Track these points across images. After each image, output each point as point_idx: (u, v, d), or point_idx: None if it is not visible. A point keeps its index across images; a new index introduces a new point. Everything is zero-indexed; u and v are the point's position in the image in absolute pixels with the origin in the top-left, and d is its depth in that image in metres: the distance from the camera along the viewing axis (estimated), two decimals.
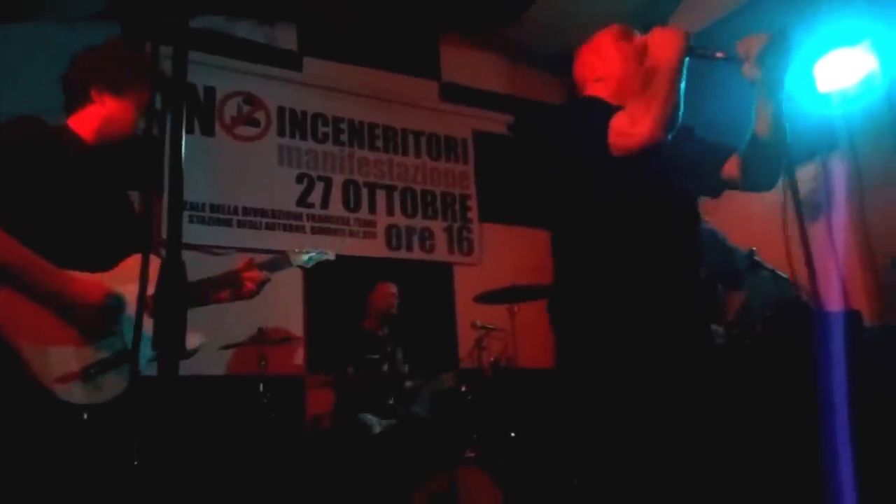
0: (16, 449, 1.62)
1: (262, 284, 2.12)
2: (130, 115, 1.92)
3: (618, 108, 1.79)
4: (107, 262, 1.83)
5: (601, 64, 1.98)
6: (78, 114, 1.90)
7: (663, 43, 1.72)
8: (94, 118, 1.89)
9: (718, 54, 1.76)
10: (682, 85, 1.70)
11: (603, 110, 1.82)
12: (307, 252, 2.57)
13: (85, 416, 1.69)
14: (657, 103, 1.67)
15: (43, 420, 1.64)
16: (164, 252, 1.66)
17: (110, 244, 1.86)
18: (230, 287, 2.09)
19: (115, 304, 1.78)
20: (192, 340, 2.01)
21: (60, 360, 1.67)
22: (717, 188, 1.98)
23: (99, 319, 1.76)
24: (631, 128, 1.68)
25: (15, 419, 1.63)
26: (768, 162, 1.83)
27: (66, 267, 1.75)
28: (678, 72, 1.69)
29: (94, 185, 1.88)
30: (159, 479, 1.11)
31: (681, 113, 1.70)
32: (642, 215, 1.79)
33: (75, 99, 1.90)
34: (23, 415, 1.63)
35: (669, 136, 1.69)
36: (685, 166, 1.87)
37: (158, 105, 1.96)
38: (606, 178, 1.78)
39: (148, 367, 1.80)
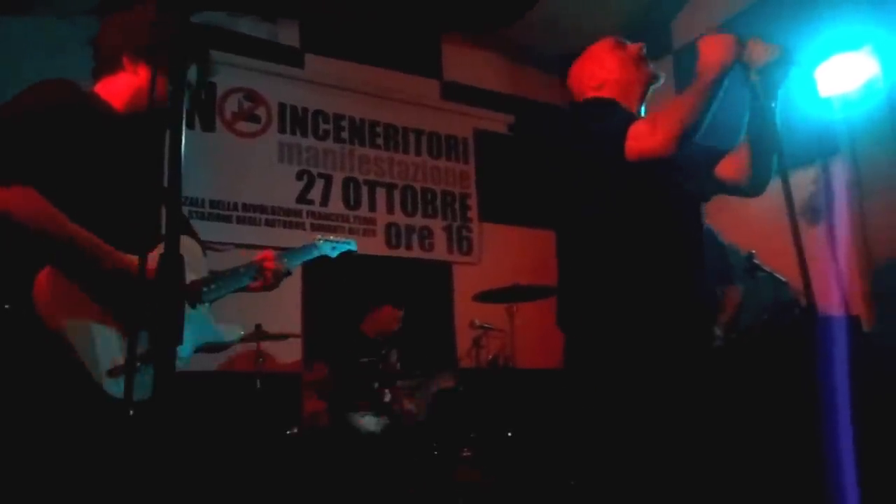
0: (63, 449, 1.49)
1: (281, 276, 2.06)
2: (164, 85, 1.68)
3: (631, 113, 1.78)
4: (145, 243, 1.68)
5: (600, 70, 1.98)
6: (106, 80, 1.77)
7: (714, 47, 1.68)
8: (125, 87, 1.75)
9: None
10: (719, 95, 1.67)
11: (620, 112, 1.82)
12: (330, 240, 2.52)
13: (131, 413, 1.46)
14: (686, 110, 1.65)
15: (91, 417, 1.51)
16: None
17: (147, 223, 1.75)
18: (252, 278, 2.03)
19: None
20: (231, 331, 1.99)
21: (106, 345, 1.55)
22: (706, 191, 1.98)
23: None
24: (652, 133, 1.67)
25: (61, 417, 1.50)
26: (757, 167, 1.84)
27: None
28: (716, 80, 1.65)
29: (128, 157, 1.74)
30: (156, 475, 1.10)
31: (704, 127, 1.68)
32: (650, 217, 1.79)
33: (104, 66, 1.77)
34: (70, 411, 1.51)
35: (687, 146, 1.68)
36: (691, 168, 1.87)
37: (193, 78, 1.81)
38: (616, 179, 1.78)
39: (185, 363, 1.71)
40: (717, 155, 1.93)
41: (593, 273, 1.83)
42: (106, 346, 1.55)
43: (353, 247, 2.59)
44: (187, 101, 1.73)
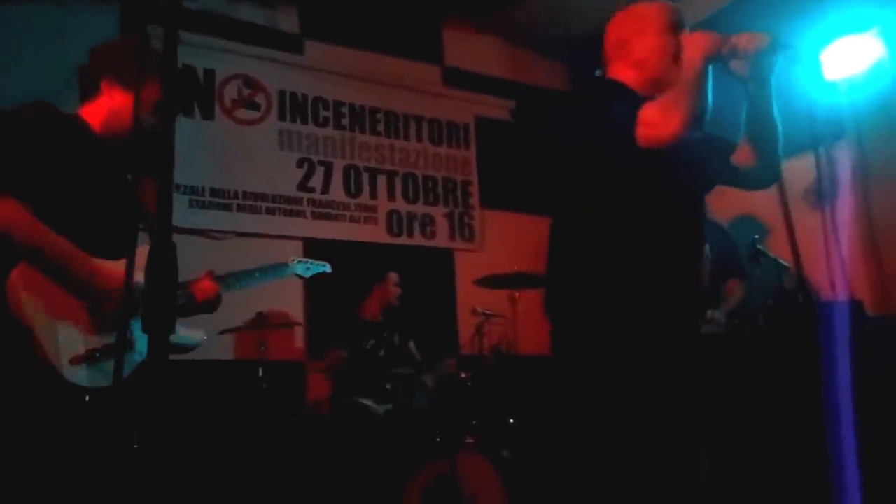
0: (19, 427, 1.64)
1: (215, 300, 2.05)
2: (138, 108, 1.90)
3: (644, 99, 1.75)
4: (116, 252, 1.85)
5: (640, 51, 1.86)
6: (89, 105, 1.94)
7: (695, 43, 1.69)
8: (102, 110, 1.92)
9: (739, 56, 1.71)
10: (709, 87, 1.67)
11: (630, 99, 1.78)
12: (304, 261, 2.56)
13: (87, 398, 1.72)
14: (689, 98, 1.65)
15: (48, 398, 1.67)
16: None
17: (120, 234, 1.88)
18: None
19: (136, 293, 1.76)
20: (195, 335, 2.02)
21: (68, 338, 1.70)
22: (719, 184, 1.95)
23: (116, 306, 1.78)
24: (663, 120, 1.65)
25: (21, 396, 1.66)
26: (763, 158, 1.82)
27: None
28: (703, 72, 1.66)
29: (105, 175, 1.90)
30: (158, 463, 1.10)
31: (709, 113, 1.68)
32: (646, 207, 1.77)
33: (88, 90, 1.94)
34: (29, 392, 1.66)
35: (695, 133, 1.67)
36: (694, 159, 1.84)
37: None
38: (618, 166, 1.75)
39: (141, 358, 1.82)
40: (729, 147, 1.90)
41: (581, 260, 1.81)
42: (68, 338, 1.71)
43: (327, 269, 2.65)
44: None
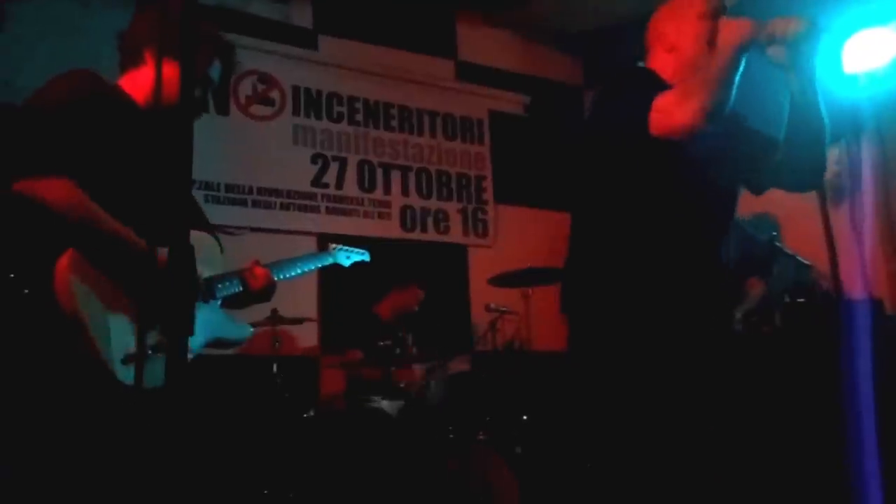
0: (74, 428, 1.52)
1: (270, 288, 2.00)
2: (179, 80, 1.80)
3: (668, 87, 1.70)
4: (161, 235, 1.70)
5: (675, 35, 1.82)
6: (130, 74, 1.81)
7: (729, 30, 1.63)
8: (146, 81, 1.79)
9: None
10: (737, 78, 1.61)
11: (651, 85, 1.72)
12: (345, 249, 2.52)
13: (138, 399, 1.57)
14: (709, 86, 1.58)
15: (100, 399, 1.54)
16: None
17: (165, 216, 1.78)
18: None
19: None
20: (243, 329, 1.99)
21: (120, 333, 1.57)
22: (761, 184, 1.90)
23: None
24: (676, 107, 1.60)
25: (70, 397, 1.53)
26: (807, 155, 1.76)
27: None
28: (735, 61, 1.59)
29: (148, 151, 1.76)
30: (171, 461, 1.10)
31: (729, 105, 1.62)
32: (669, 203, 1.74)
33: (129, 59, 1.81)
34: (79, 393, 1.54)
35: (713, 126, 1.61)
36: (735, 158, 1.79)
37: (216, 75, 1.85)
38: (635, 158, 1.72)
39: (192, 355, 1.74)
40: (769, 143, 1.84)
41: (601, 257, 1.79)
42: (120, 333, 1.57)
43: (366, 257, 2.62)
44: (209, 95, 1.76)
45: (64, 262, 1.52)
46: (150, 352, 1.57)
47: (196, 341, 1.67)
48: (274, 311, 3.77)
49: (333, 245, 2.56)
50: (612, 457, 1.75)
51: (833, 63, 3.59)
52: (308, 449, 3.54)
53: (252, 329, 1.99)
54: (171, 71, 1.70)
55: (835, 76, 3.64)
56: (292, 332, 4.19)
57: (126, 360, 1.55)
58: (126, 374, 1.54)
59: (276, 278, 2.03)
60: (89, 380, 1.53)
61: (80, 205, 1.54)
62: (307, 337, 4.49)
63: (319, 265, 2.40)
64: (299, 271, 2.20)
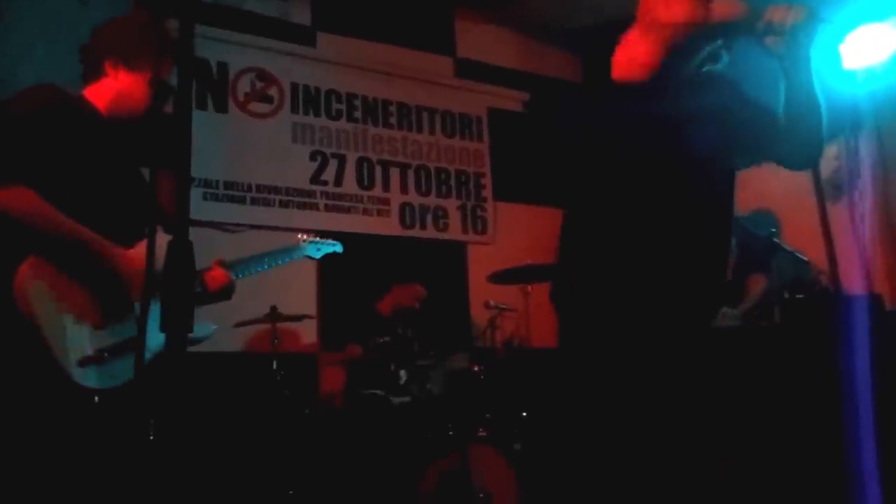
0: (29, 431, 1.58)
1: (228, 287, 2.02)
2: (143, 90, 1.87)
3: None
4: (126, 239, 1.79)
5: (664, 10, 1.76)
6: (93, 85, 1.88)
7: (721, 7, 1.63)
8: (107, 91, 1.86)
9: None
10: (705, 43, 1.60)
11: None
12: (315, 241, 2.50)
13: (96, 399, 1.66)
14: (672, 30, 1.57)
15: (57, 401, 1.61)
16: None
17: (128, 220, 1.83)
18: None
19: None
20: (205, 327, 1.99)
21: (76, 337, 1.63)
22: (758, 155, 1.88)
23: (134, 294, 1.72)
24: (634, 43, 1.59)
25: (28, 399, 1.59)
26: (805, 136, 1.75)
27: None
28: (711, 28, 1.58)
29: (111, 159, 1.85)
30: (172, 457, 1.10)
31: (693, 48, 1.59)
32: (662, 195, 1.74)
33: (91, 70, 1.88)
34: (36, 394, 1.60)
35: (673, 62, 1.58)
36: (733, 123, 1.76)
37: (176, 82, 1.90)
38: (629, 147, 1.71)
39: (152, 355, 1.76)
40: (770, 114, 1.79)
41: (592, 251, 1.78)
42: (76, 337, 1.63)
43: (338, 248, 2.58)
44: (169, 102, 1.80)
45: (24, 267, 1.59)
46: (105, 354, 1.65)
47: (156, 341, 1.69)
48: (273, 308, 3.77)
49: (304, 237, 2.51)
50: (599, 449, 1.75)
51: (832, 59, 3.60)
52: (308, 446, 3.55)
53: (215, 327, 1.99)
54: (127, 81, 1.84)
55: (834, 72, 3.65)
56: (292, 329, 4.19)
57: (83, 363, 1.61)
58: (83, 377, 1.60)
59: (235, 277, 2.05)
60: (47, 383, 1.59)
61: (40, 212, 1.60)
62: (307, 334, 4.50)
63: (289, 259, 2.37)
64: (266, 267, 2.19)
